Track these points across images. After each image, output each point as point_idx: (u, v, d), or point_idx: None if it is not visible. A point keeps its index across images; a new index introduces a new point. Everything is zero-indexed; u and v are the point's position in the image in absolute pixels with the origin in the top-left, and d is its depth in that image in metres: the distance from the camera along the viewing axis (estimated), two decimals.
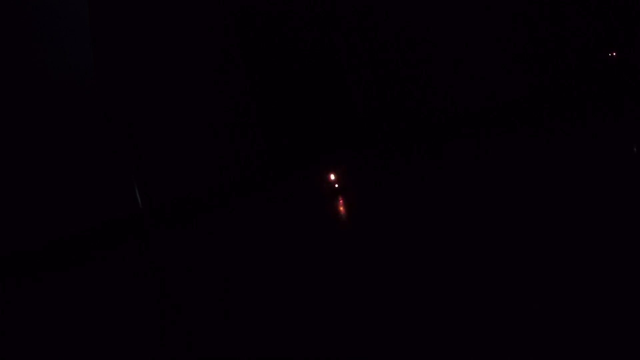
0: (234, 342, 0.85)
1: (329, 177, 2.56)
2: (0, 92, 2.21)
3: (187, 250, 1.90)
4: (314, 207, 2.23)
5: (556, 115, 3.01)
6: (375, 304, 0.86)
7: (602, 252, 0.82)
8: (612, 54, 3.09)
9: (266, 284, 1.18)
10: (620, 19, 3.00)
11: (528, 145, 2.27)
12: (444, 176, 2.09)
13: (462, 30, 3.34)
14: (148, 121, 2.53)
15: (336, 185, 2.58)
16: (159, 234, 2.27)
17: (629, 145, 1.73)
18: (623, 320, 0.59)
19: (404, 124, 3.69)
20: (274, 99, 4.70)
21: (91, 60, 2.33)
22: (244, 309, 1.02)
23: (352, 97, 4.05)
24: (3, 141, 2.21)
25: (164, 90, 2.78)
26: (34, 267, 2.09)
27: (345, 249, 1.34)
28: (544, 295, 0.72)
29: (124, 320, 1.15)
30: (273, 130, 4.78)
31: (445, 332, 0.69)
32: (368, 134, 4.07)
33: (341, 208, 2.12)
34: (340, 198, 2.32)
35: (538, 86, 3.24)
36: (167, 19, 3.16)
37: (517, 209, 1.25)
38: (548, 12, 3.15)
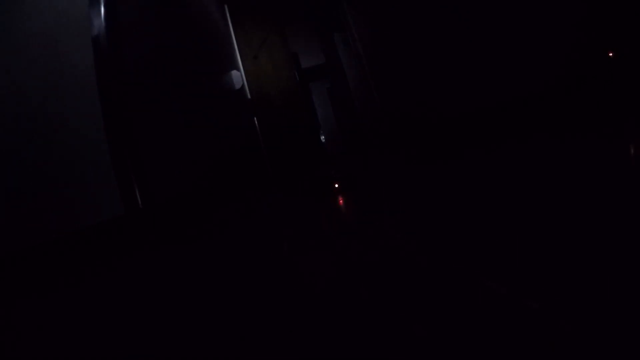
0: (237, 345, 0.86)
1: (330, 177, 2.56)
2: (0, 91, 2.21)
3: (188, 250, 1.90)
4: (314, 206, 2.23)
5: (555, 116, 3.01)
6: (378, 306, 0.87)
7: (604, 255, 0.82)
8: (611, 54, 3.09)
9: (269, 284, 1.18)
10: (620, 18, 3.00)
11: (525, 146, 2.27)
12: (444, 178, 2.09)
13: (460, 29, 3.33)
14: (148, 121, 2.52)
15: (336, 185, 2.58)
16: (159, 234, 2.27)
17: (628, 148, 1.73)
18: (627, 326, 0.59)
19: (405, 126, 3.68)
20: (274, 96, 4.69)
21: (91, 59, 2.33)
22: (248, 312, 1.02)
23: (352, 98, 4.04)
24: (3, 140, 2.21)
25: (165, 90, 2.78)
26: (33, 267, 2.09)
27: (345, 250, 1.34)
28: (552, 301, 0.72)
29: (123, 320, 1.15)
30: (274, 129, 4.77)
31: (450, 336, 0.69)
32: (368, 136, 4.06)
33: (341, 208, 2.13)
34: (340, 198, 2.32)
35: (536, 87, 3.24)
36: (167, 17, 3.16)
37: (516, 211, 1.25)
38: (547, 11, 3.15)
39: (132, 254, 2.05)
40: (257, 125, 4.83)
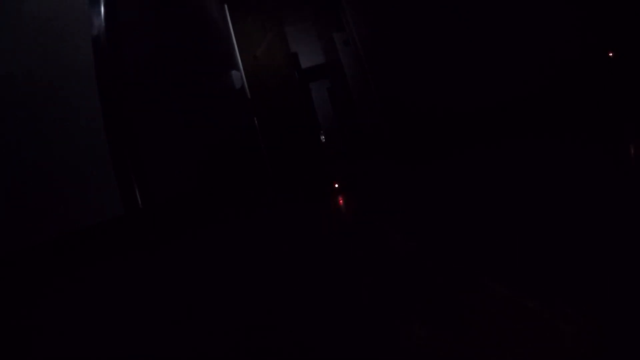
0: (236, 345, 0.86)
1: (330, 177, 2.56)
2: (0, 90, 2.21)
3: (188, 250, 1.90)
4: (314, 206, 2.23)
5: (555, 116, 3.01)
6: (379, 306, 0.87)
7: (605, 257, 0.82)
8: (611, 54, 3.10)
9: (269, 285, 1.18)
10: (620, 18, 3.00)
11: (525, 146, 2.27)
12: (444, 178, 2.09)
13: (461, 29, 3.33)
14: (148, 121, 2.52)
15: (336, 185, 2.58)
16: (159, 234, 2.27)
17: (628, 148, 1.73)
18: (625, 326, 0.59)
19: (405, 125, 3.68)
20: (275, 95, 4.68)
21: (91, 59, 2.33)
22: (248, 312, 1.02)
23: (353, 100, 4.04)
24: (3, 140, 2.20)
25: (165, 89, 2.78)
26: (32, 267, 2.09)
27: (345, 250, 1.34)
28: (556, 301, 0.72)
29: (123, 320, 1.15)
30: (274, 129, 4.78)
31: (451, 338, 0.69)
32: (369, 136, 4.06)
33: (341, 208, 2.12)
34: (340, 198, 2.32)
35: (536, 86, 3.24)
36: (167, 17, 3.16)
37: (517, 211, 1.25)
38: (547, 11, 3.15)
39: (132, 254, 2.05)
40: (257, 125, 4.83)
